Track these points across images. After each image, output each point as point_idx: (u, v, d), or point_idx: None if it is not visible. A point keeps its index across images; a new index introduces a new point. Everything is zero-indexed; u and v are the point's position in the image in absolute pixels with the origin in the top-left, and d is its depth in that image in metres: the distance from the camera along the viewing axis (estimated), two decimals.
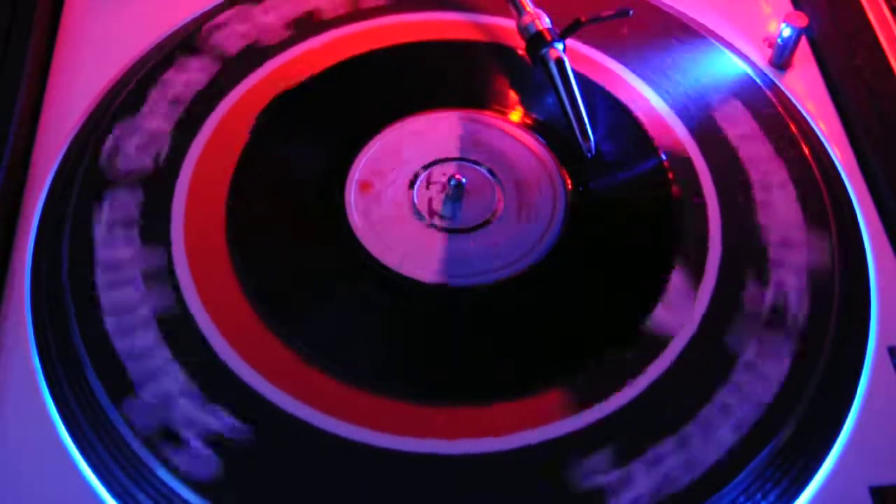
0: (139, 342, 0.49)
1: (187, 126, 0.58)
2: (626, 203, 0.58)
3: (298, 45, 0.62)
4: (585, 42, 0.64)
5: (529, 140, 0.60)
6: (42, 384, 0.48)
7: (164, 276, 0.51)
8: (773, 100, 0.61)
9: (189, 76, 0.60)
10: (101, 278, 0.51)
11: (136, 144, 0.57)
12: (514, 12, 0.62)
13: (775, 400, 0.48)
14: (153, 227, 0.53)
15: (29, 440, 0.47)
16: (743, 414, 0.48)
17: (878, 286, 0.54)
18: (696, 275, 0.53)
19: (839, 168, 0.59)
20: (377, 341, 0.52)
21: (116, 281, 0.51)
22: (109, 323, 0.50)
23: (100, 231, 0.53)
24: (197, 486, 0.44)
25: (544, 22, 0.60)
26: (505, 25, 0.64)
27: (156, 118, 0.58)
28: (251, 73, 0.61)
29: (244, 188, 0.56)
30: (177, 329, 0.50)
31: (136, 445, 0.46)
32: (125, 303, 0.50)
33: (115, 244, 0.52)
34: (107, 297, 0.50)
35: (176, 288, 0.51)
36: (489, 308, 0.53)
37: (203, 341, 0.49)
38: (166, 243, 0.53)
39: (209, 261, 0.52)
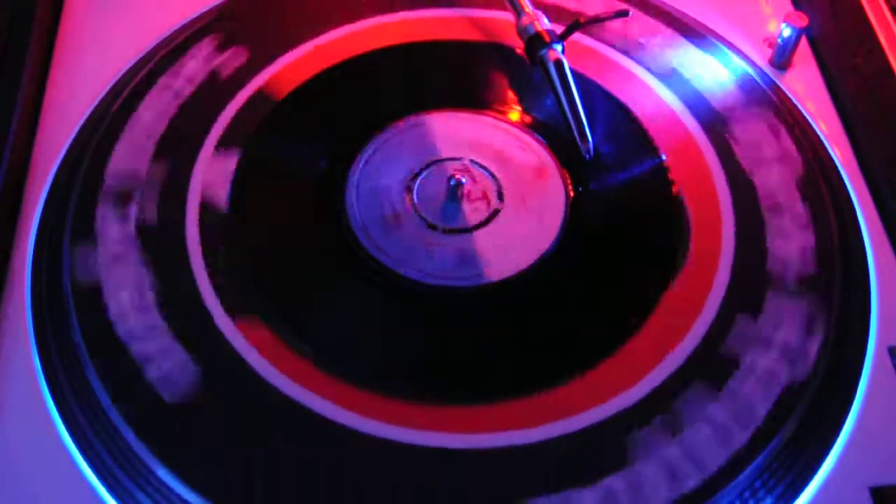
0: (142, 342, 0.49)
1: (191, 129, 0.58)
2: (626, 203, 0.58)
3: (295, 48, 0.63)
4: (586, 41, 0.64)
5: (529, 140, 0.60)
6: (42, 384, 0.48)
7: (173, 276, 0.52)
8: (774, 100, 0.61)
9: (187, 80, 0.60)
10: (104, 276, 0.51)
11: (135, 152, 0.57)
12: (513, 13, 0.62)
13: (775, 400, 0.48)
14: (162, 232, 0.53)
15: (29, 440, 0.47)
16: (743, 414, 0.48)
17: (878, 286, 0.54)
18: (698, 275, 0.53)
19: (839, 168, 0.59)
20: (377, 341, 0.52)
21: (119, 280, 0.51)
22: (111, 321, 0.50)
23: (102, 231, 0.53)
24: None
25: (543, 23, 0.60)
26: (503, 20, 0.64)
27: (158, 123, 0.58)
28: (250, 78, 0.61)
29: (245, 190, 0.56)
30: (183, 327, 0.50)
31: (137, 446, 0.46)
32: (128, 302, 0.51)
33: (117, 246, 0.53)
34: (109, 296, 0.51)
35: (183, 288, 0.51)
36: (490, 308, 0.53)
37: (209, 338, 0.49)
38: (179, 247, 0.53)
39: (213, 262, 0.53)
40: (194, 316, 0.50)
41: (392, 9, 0.65)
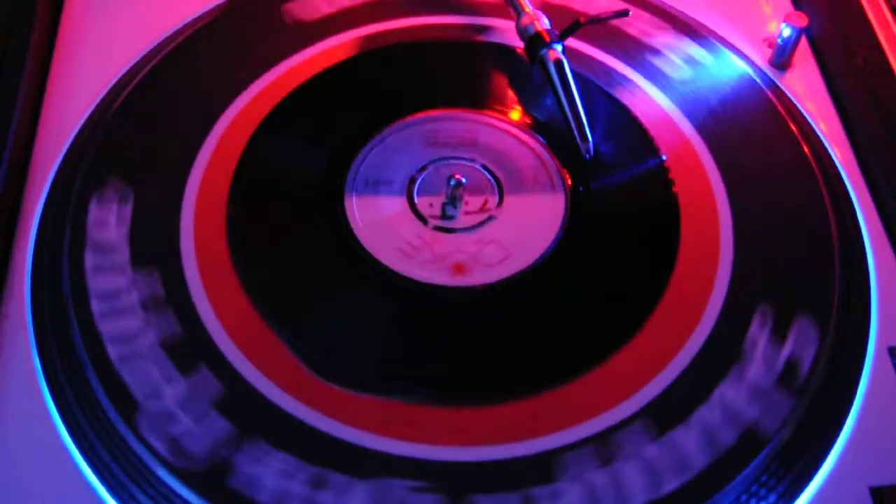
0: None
1: (194, 131, 0.58)
2: (626, 202, 0.58)
3: (297, 50, 0.63)
4: (585, 41, 0.64)
5: (529, 140, 0.60)
6: (42, 384, 0.48)
7: (170, 276, 0.52)
8: (774, 100, 0.61)
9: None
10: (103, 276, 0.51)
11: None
12: (513, 14, 0.62)
13: (774, 398, 0.48)
14: (161, 231, 0.54)
15: (29, 440, 0.47)
16: (743, 414, 0.48)
17: (879, 286, 0.54)
18: (698, 274, 0.53)
19: (839, 168, 0.59)
20: (378, 342, 0.52)
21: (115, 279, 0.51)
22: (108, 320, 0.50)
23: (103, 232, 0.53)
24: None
25: (543, 23, 0.60)
26: (503, 24, 0.64)
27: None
28: (256, 78, 0.61)
29: (245, 191, 0.56)
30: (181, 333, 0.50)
31: (137, 445, 0.46)
32: (127, 300, 0.51)
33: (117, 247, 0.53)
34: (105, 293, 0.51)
35: (181, 286, 0.51)
36: (490, 308, 0.53)
37: (207, 339, 0.49)
38: (175, 247, 0.53)
39: (212, 263, 0.53)
40: (191, 316, 0.50)
41: (393, 14, 0.65)
